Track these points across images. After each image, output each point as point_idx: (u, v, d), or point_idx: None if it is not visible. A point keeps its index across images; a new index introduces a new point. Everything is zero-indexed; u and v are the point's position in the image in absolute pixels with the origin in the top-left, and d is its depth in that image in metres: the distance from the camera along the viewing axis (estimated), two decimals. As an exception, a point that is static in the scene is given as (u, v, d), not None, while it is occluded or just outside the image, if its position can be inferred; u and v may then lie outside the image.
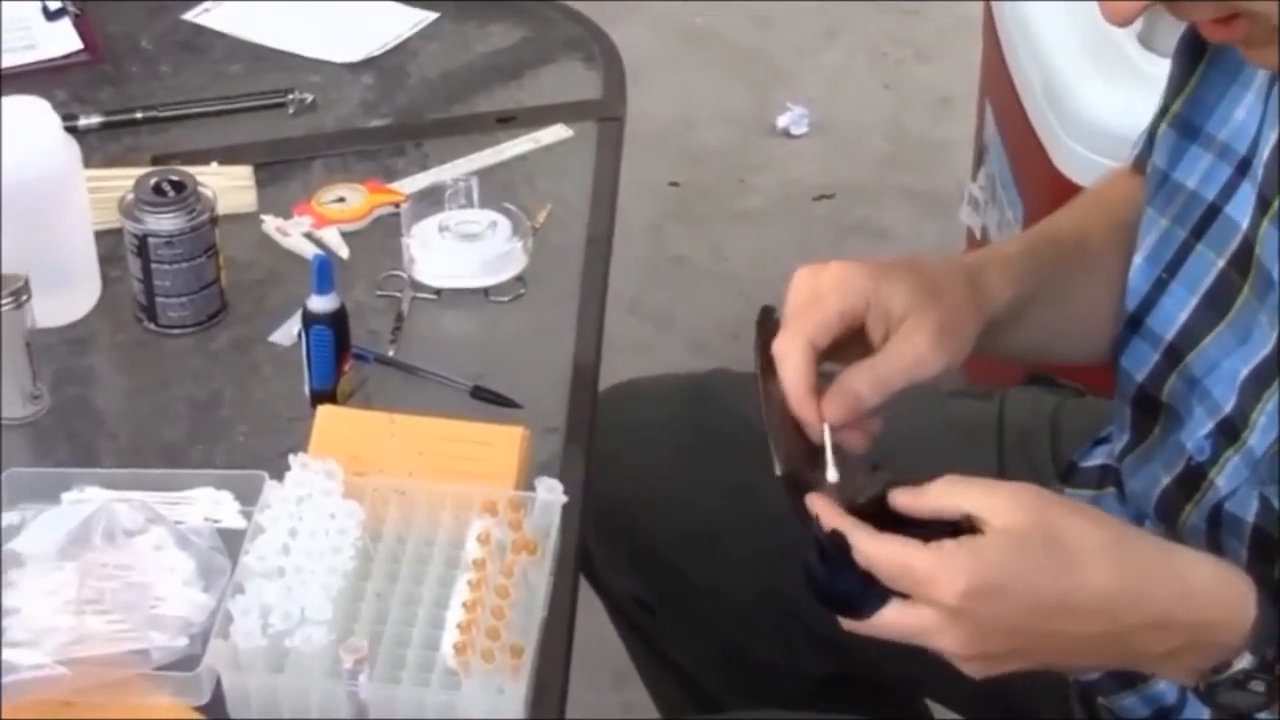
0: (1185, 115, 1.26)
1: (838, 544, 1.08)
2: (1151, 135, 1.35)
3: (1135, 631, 1.07)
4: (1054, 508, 1.08)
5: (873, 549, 1.08)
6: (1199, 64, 1.25)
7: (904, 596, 1.08)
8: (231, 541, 1.25)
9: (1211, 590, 1.08)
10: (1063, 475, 1.41)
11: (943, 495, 1.09)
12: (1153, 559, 1.09)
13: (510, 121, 1.70)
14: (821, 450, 1.14)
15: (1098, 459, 1.39)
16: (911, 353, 1.16)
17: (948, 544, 1.06)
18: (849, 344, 1.17)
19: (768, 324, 1.19)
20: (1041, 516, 1.07)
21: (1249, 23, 1.04)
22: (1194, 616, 1.07)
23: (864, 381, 1.15)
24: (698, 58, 3.31)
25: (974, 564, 1.05)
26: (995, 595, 1.05)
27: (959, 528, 1.08)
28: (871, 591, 1.08)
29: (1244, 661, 1.08)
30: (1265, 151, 1.20)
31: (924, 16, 3.37)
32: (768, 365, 1.17)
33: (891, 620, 1.08)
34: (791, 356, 1.15)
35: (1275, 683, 1.08)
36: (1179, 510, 1.25)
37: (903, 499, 1.10)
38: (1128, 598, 1.07)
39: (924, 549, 1.06)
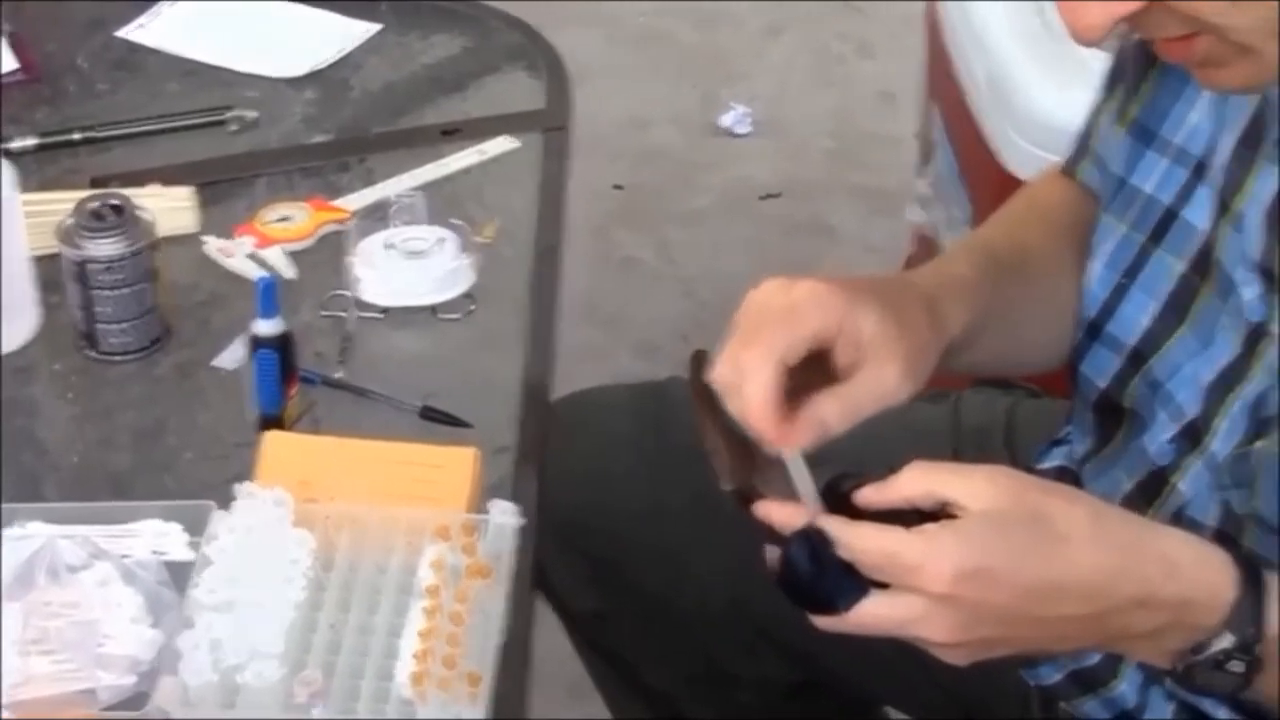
0: (1141, 120, 1.26)
1: (816, 539, 1.07)
2: (1084, 139, 1.35)
3: (1120, 610, 1.06)
4: (1032, 488, 1.07)
5: (856, 539, 1.06)
6: (1152, 69, 1.25)
7: (883, 588, 1.06)
8: (179, 574, 1.22)
9: (1194, 568, 1.07)
10: (1019, 479, 1.41)
11: (914, 483, 1.07)
12: (1136, 535, 1.08)
13: (455, 134, 1.69)
14: (766, 463, 1.13)
15: (1054, 460, 1.38)
16: (881, 384, 1.15)
17: (932, 528, 1.04)
18: (809, 361, 1.16)
19: (700, 364, 1.17)
20: (1021, 497, 1.06)
21: (1210, 41, 1.04)
22: (1177, 594, 1.06)
23: (832, 410, 1.14)
24: (642, 58, 3.30)
25: (962, 548, 1.03)
26: (984, 578, 1.03)
27: (925, 517, 1.07)
28: (851, 584, 1.06)
29: (1223, 642, 1.07)
30: (1222, 155, 1.20)
31: (867, 13, 3.37)
32: (704, 400, 1.15)
33: (874, 612, 1.06)
34: (761, 372, 1.12)
35: (1253, 663, 1.07)
36: (1140, 515, 1.23)
37: (869, 492, 1.09)
38: (1114, 574, 1.05)
39: (910, 535, 1.04)
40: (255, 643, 1.15)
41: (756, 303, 1.16)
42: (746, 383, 1.12)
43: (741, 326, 1.15)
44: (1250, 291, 1.17)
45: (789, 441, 1.12)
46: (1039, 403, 1.50)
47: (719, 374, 1.14)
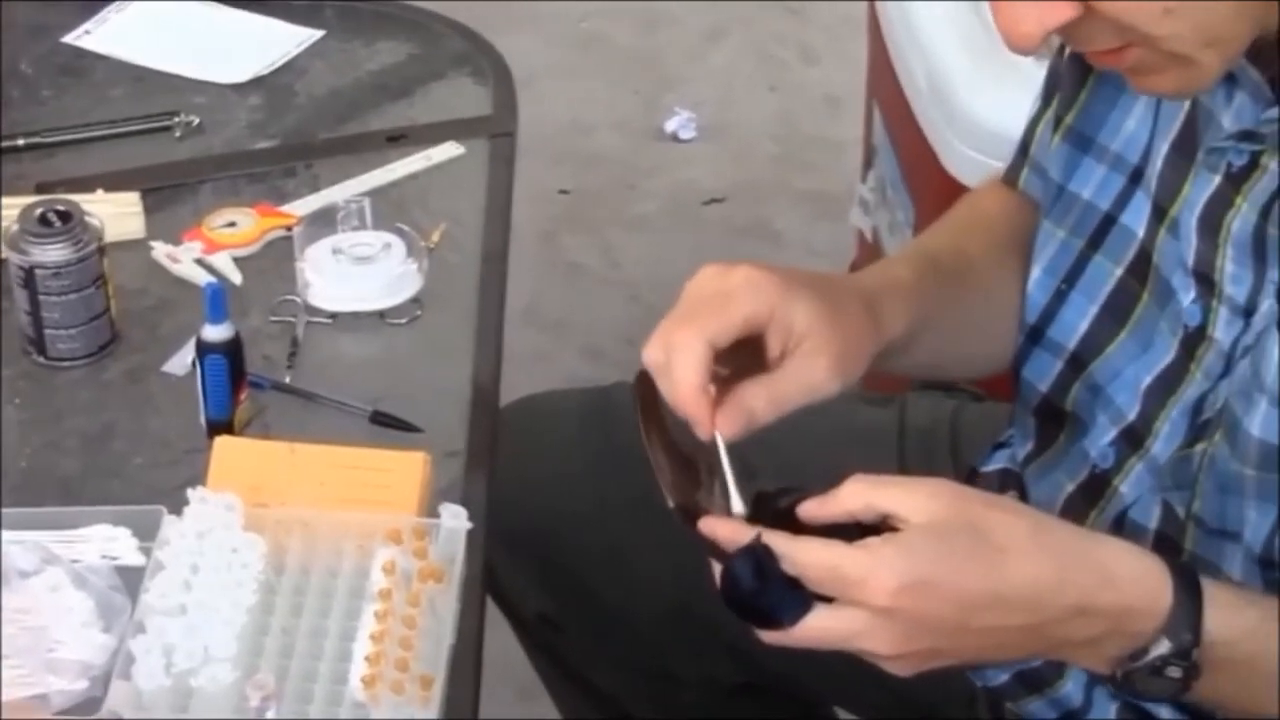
0: (1077, 128, 1.27)
1: (761, 554, 1.08)
2: (1024, 148, 1.36)
3: (1059, 619, 1.07)
4: (972, 501, 1.08)
5: (801, 554, 1.07)
6: (1089, 77, 1.26)
7: (826, 601, 1.07)
8: (131, 579, 1.23)
9: (1131, 576, 1.09)
10: (964, 480, 1.42)
11: (855, 496, 1.08)
12: (1074, 546, 1.09)
13: (401, 140, 1.69)
14: (710, 478, 1.14)
15: (998, 464, 1.40)
16: (810, 376, 1.15)
17: (874, 542, 1.06)
18: (742, 349, 1.16)
19: (645, 381, 1.17)
20: (962, 510, 1.07)
21: (1141, 51, 1.05)
22: (1115, 602, 1.08)
23: (760, 399, 1.15)
24: (585, 63, 3.30)
25: (904, 561, 1.05)
26: (925, 591, 1.05)
27: (866, 530, 1.08)
28: (795, 599, 1.07)
29: (1161, 648, 1.08)
30: (1158, 161, 1.21)
31: (808, 17, 3.38)
32: (649, 417, 1.16)
33: (818, 626, 1.07)
34: (689, 353, 1.13)
35: (1191, 669, 1.09)
36: (1083, 518, 1.25)
37: (810, 506, 1.10)
38: (1052, 585, 1.07)
39: (853, 549, 1.05)
40: (208, 647, 1.16)
41: (693, 288, 1.17)
42: (675, 364, 1.13)
43: (676, 309, 1.16)
44: (1187, 296, 1.18)
45: (716, 427, 1.12)
46: (983, 406, 1.52)
47: (649, 355, 1.15)
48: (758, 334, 1.16)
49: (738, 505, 1.11)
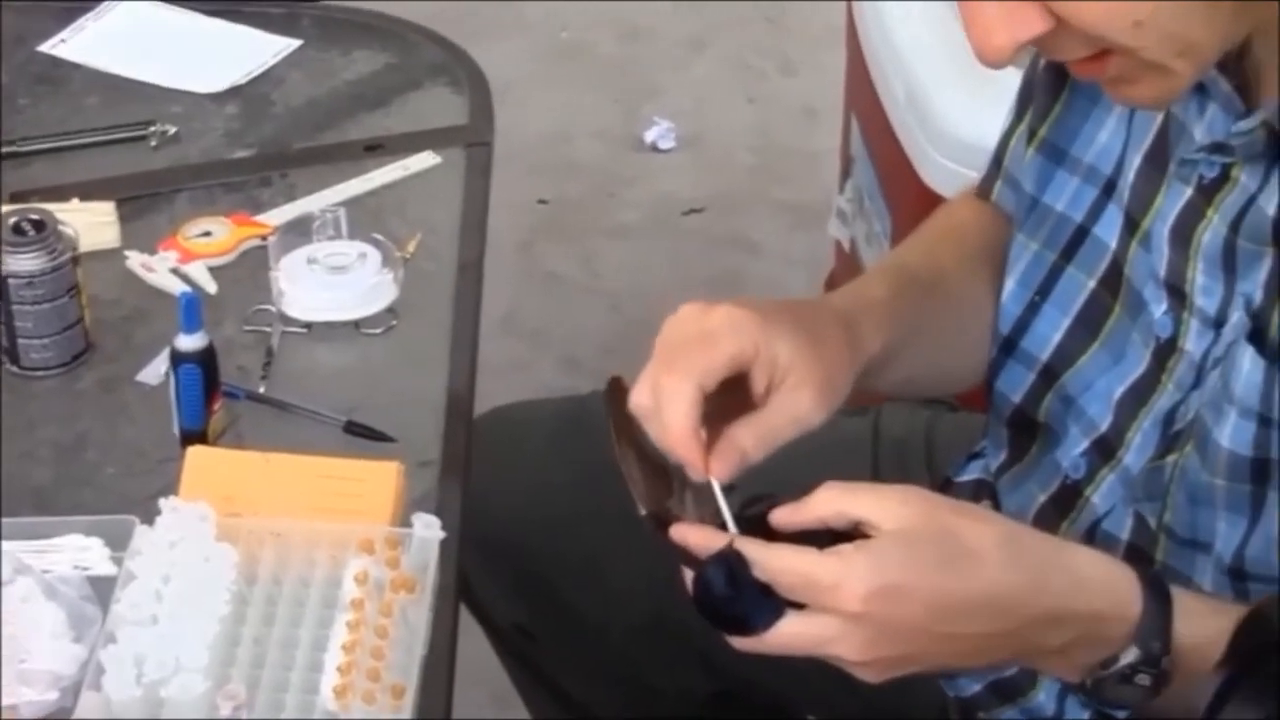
0: (1051, 140, 1.28)
1: (733, 561, 1.08)
2: (998, 161, 1.37)
3: (1031, 626, 1.07)
4: (943, 507, 1.09)
5: (773, 561, 1.07)
6: (1063, 89, 1.27)
7: (798, 608, 1.07)
8: (102, 589, 1.22)
9: (1101, 583, 1.09)
10: (938, 490, 1.42)
11: (827, 503, 1.08)
12: (1045, 553, 1.09)
13: (378, 149, 1.69)
14: (682, 486, 1.14)
15: (972, 474, 1.40)
16: (797, 409, 1.16)
17: (846, 549, 1.06)
18: (726, 386, 1.16)
19: (616, 390, 1.17)
20: (933, 516, 1.07)
21: (1119, 60, 1.05)
22: (1085, 609, 1.08)
23: (750, 438, 1.15)
24: (564, 73, 3.31)
25: (875, 567, 1.05)
26: (897, 597, 1.05)
27: (838, 537, 1.08)
28: (767, 605, 1.08)
29: (1130, 655, 1.08)
30: (1130, 173, 1.22)
31: (787, 28, 3.39)
32: (620, 426, 1.16)
33: (790, 633, 1.07)
34: (679, 398, 1.13)
35: (1160, 676, 1.09)
36: (1055, 528, 1.25)
37: (782, 513, 1.10)
38: (1024, 591, 1.07)
39: (825, 556, 1.06)
40: (179, 657, 1.15)
41: (673, 329, 1.17)
42: (665, 409, 1.13)
43: (659, 352, 1.16)
44: (1159, 308, 1.19)
45: (710, 471, 1.13)
46: (957, 416, 1.52)
47: (637, 400, 1.15)
48: (744, 371, 1.16)
49: (732, 527, 1.11)
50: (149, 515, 1.25)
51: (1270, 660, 1.03)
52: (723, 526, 1.11)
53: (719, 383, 1.14)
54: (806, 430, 1.17)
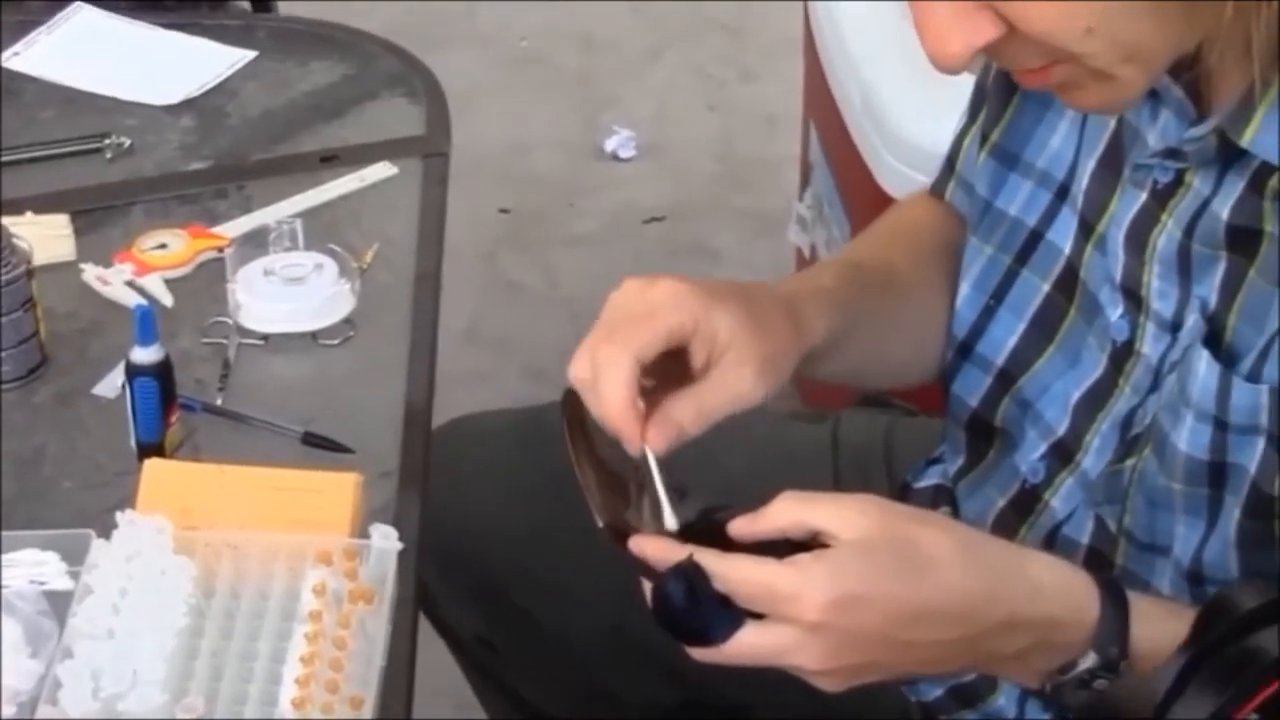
0: (1003, 144, 1.28)
1: (691, 573, 1.08)
2: (951, 162, 1.37)
3: (988, 632, 1.08)
4: (901, 516, 1.09)
5: (731, 571, 1.07)
6: (1014, 94, 1.27)
7: (758, 618, 1.07)
8: (59, 604, 1.21)
9: (1058, 589, 1.09)
10: (897, 496, 1.42)
11: (785, 513, 1.08)
12: (1002, 560, 1.09)
13: (334, 160, 1.68)
14: (639, 497, 1.14)
15: (931, 479, 1.40)
16: (735, 386, 1.16)
17: (804, 559, 1.06)
18: (666, 361, 1.16)
19: (573, 401, 1.17)
20: (890, 525, 1.07)
21: (1067, 69, 1.05)
22: (1043, 614, 1.08)
23: (687, 412, 1.15)
24: (524, 83, 3.31)
25: (833, 577, 1.05)
26: (855, 606, 1.05)
27: (796, 546, 1.08)
28: (726, 616, 1.07)
29: (1088, 661, 1.08)
30: (1084, 178, 1.22)
31: (746, 36, 3.40)
32: (577, 437, 1.16)
33: (749, 643, 1.07)
34: (617, 369, 1.13)
35: (1118, 681, 1.09)
36: (1014, 533, 1.26)
37: (740, 524, 1.10)
38: (981, 598, 1.07)
39: (783, 566, 1.05)
40: (137, 671, 1.15)
41: (616, 302, 1.17)
42: (602, 380, 1.13)
43: (600, 325, 1.16)
44: (1114, 311, 1.19)
45: (646, 442, 1.12)
46: (916, 422, 1.52)
47: (575, 372, 1.15)
48: (682, 346, 1.16)
49: (670, 520, 1.11)
50: (106, 529, 1.25)
51: (1231, 643, 1.04)
52: (681, 525, 1.11)
53: (657, 355, 1.14)
54: (745, 407, 1.16)
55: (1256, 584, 1.06)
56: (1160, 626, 1.09)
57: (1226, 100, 1.09)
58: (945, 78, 1.73)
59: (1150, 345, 1.17)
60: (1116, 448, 1.20)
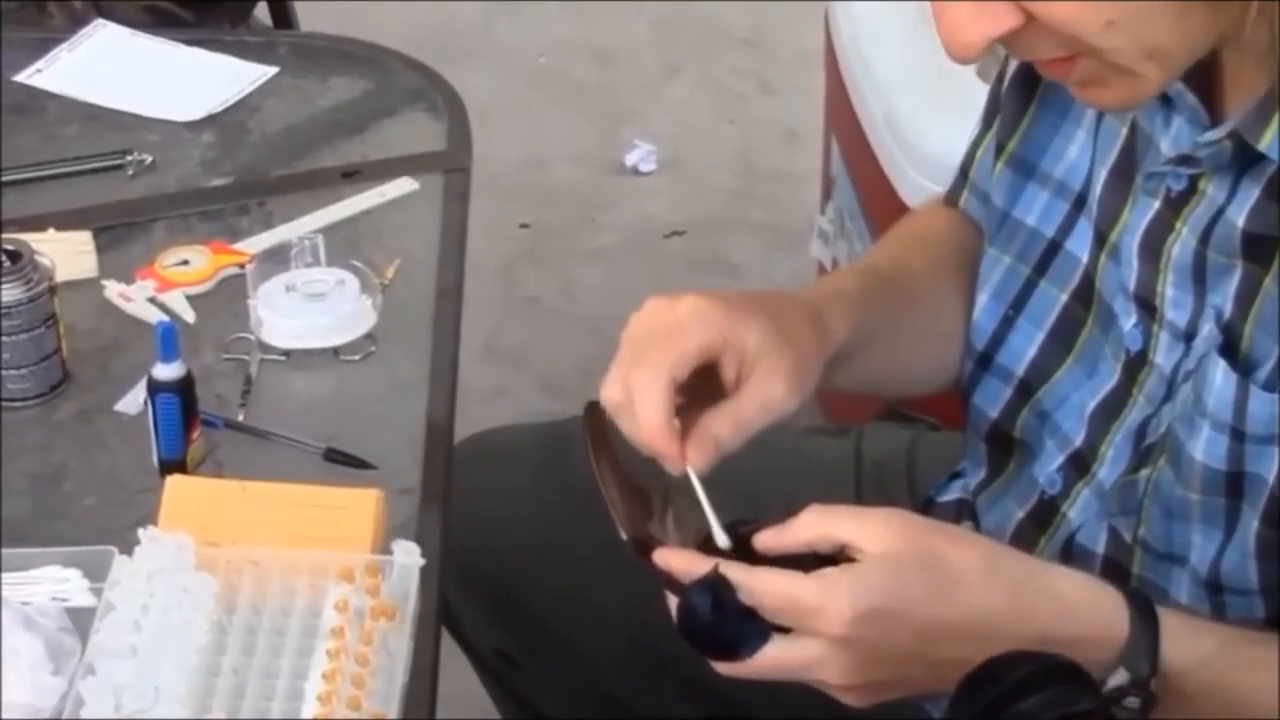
0: (1021, 154, 1.28)
1: (718, 586, 1.07)
2: (965, 171, 1.37)
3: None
4: (927, 530, 1.09)
5: (758, 584, 1.06)
6: (1031, 103, 1.27)
7: (784, 632, 1.07)
8: (81, 620, 1.22)
9: (1087, 606, 1.09)
10: (920, 510, 1.42)
11: (811, 527, 1.08)
12: (1029, 576, 1.09)
13: (355, 176, 1.69)
14: (663, 509, 1.13)
15: (953, 494, 1.40)
16: (769, 396, 1.16)
17: (830, 572, 1.06)
18: (696, 378, 1.16)
19: (595, 414, 1.17)
20: (917, 539, 1.07)
21: (1087, 63, 1.05)
22: (1071, 632, 1.07)
23: (725, 427, 1.15)
24: (543, 98, 3.31)
25: (860, 590, 1.05)
26: (881, 620, 1.05)
27: (822, 560, 1.08)
28: (752, 629, 1.07)
29: (1119, 678, 1.08)
30: (1098, 187, 1.22)
31: (765, 50, 3.40)
32: (599, 450, 1.16)
33: (775, 657, 1.07)
34: (651, 392, 1.13)
35: (1149, 699, 1.08)
36: (1033, 544, 1.25)
37: (766, 537, 1.10)
38: (1008, 615, 1.07)
39: (810, 579, 1.05)
40: (158, 688, 1.15)
41: (640, 322, 1.17)
42: (638, 403, 1.13)
43: (627, 347, 1.16)
44: (1128, 321, 1.19)
45: (687, 461, 1.12)
46: (939, 436, 1.52)
47: (608, 396, 1.15)
48: (712, 362, 1.16)
49: (721, 538, 1.11)
50: (127, 545, 1.25)
51: (998, 712, 1.01)
52: (705, 536, 1.11)
53: (689, 374, 1.14)
54: (780, 417, 1.16)
55: (1024, 651, 1.04)
56: (1190, 642, 1.08)
57: (1242, 104, 1.09)
58: (967, 91, 1.74)
59: (1163, 355, 1.17)
60: (1130, 458, 1.20)
